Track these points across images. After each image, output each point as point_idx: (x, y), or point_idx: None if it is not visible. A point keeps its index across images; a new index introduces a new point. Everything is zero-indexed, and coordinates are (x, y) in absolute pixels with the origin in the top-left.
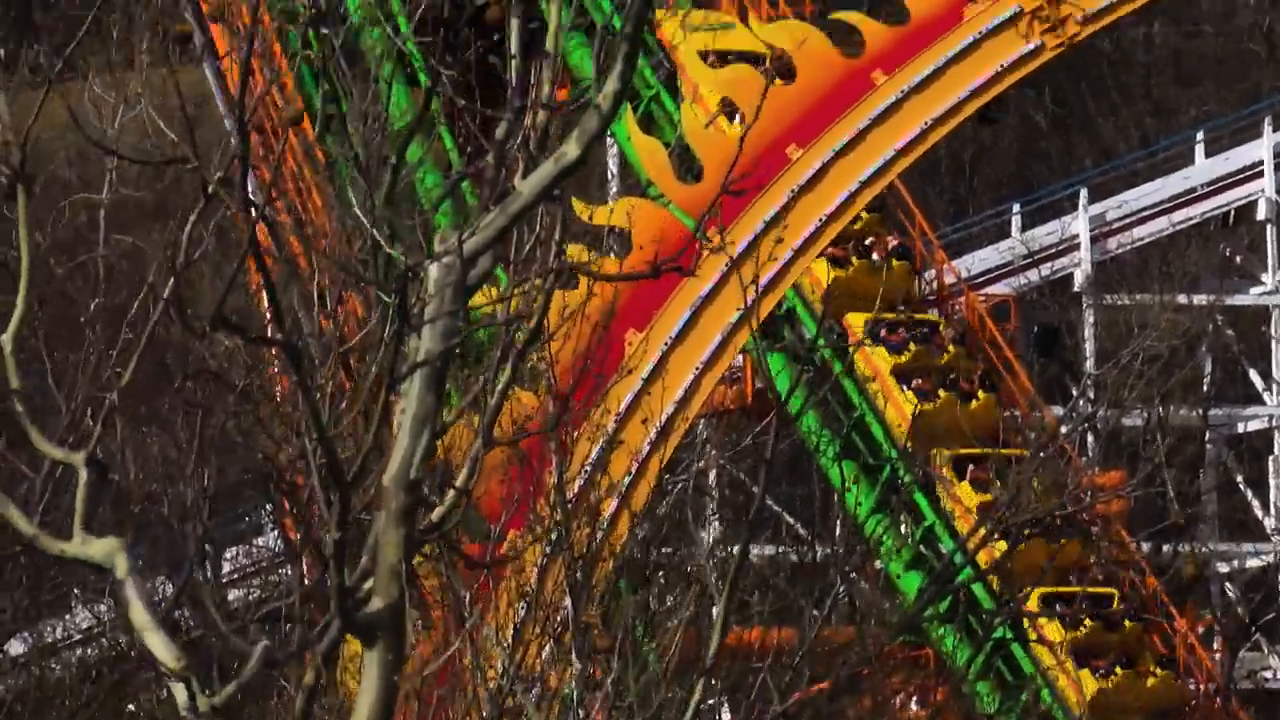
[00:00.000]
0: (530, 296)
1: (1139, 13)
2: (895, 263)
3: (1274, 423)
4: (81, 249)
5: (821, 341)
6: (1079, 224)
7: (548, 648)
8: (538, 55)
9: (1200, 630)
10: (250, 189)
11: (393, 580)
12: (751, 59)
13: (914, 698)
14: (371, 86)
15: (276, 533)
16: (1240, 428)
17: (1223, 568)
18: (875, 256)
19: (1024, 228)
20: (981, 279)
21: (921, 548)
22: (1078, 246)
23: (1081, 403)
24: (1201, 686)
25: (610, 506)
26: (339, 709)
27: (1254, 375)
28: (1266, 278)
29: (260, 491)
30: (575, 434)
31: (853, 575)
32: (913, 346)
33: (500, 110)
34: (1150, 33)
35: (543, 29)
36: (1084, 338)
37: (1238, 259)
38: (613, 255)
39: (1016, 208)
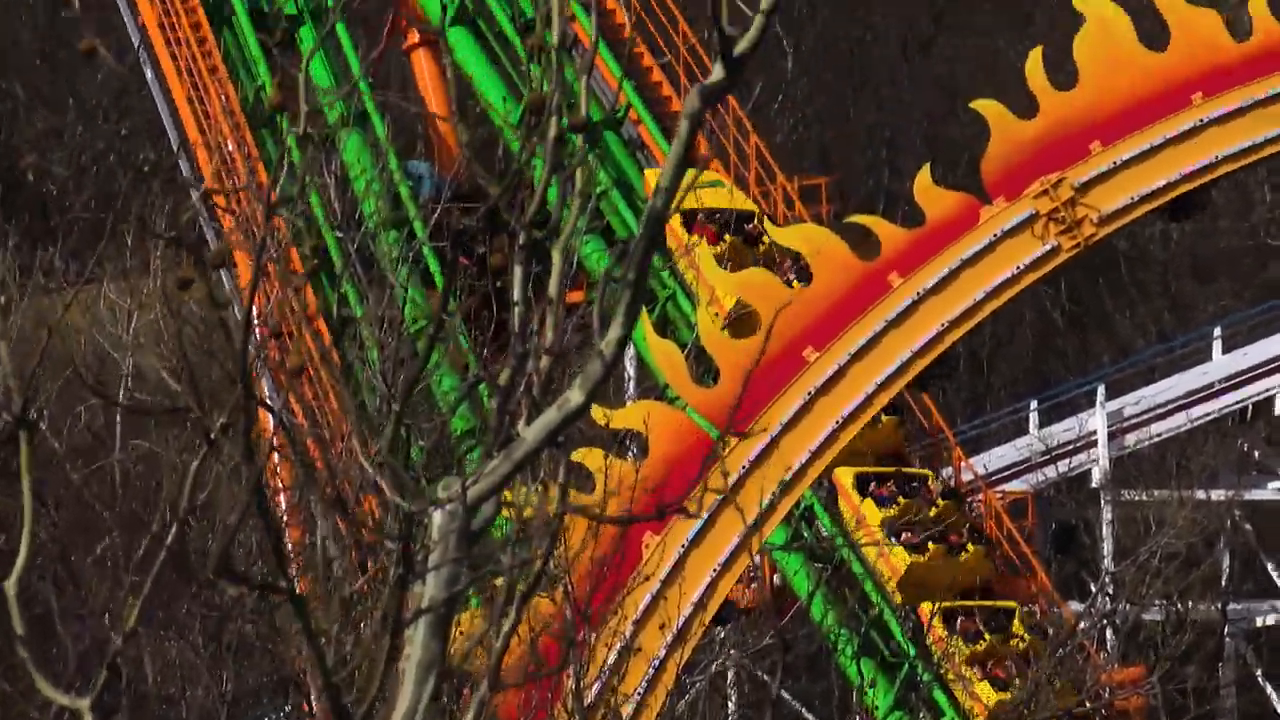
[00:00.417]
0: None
1: (1155, 210)
2: (884, 418)
3: None
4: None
5: (840, 541)
6: (1096, 420)
7: None
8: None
9: None
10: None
11: None
12: (740, 218)
13: None
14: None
15: None
16: (1259, 622)
17: None
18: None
19: (1041, 424)
20: (999, 476)
21: None
22: (1095, 443)
23: (1100, 599)
24: None
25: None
26: None
27: (1272, 570)
28: None
29: (279, 696)
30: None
31: None
32: (901, 500)
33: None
34: (1167, 229)
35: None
36: (1102, 535)
37: (1256, 454)
38: (631, 459)
39: (1034, 404)
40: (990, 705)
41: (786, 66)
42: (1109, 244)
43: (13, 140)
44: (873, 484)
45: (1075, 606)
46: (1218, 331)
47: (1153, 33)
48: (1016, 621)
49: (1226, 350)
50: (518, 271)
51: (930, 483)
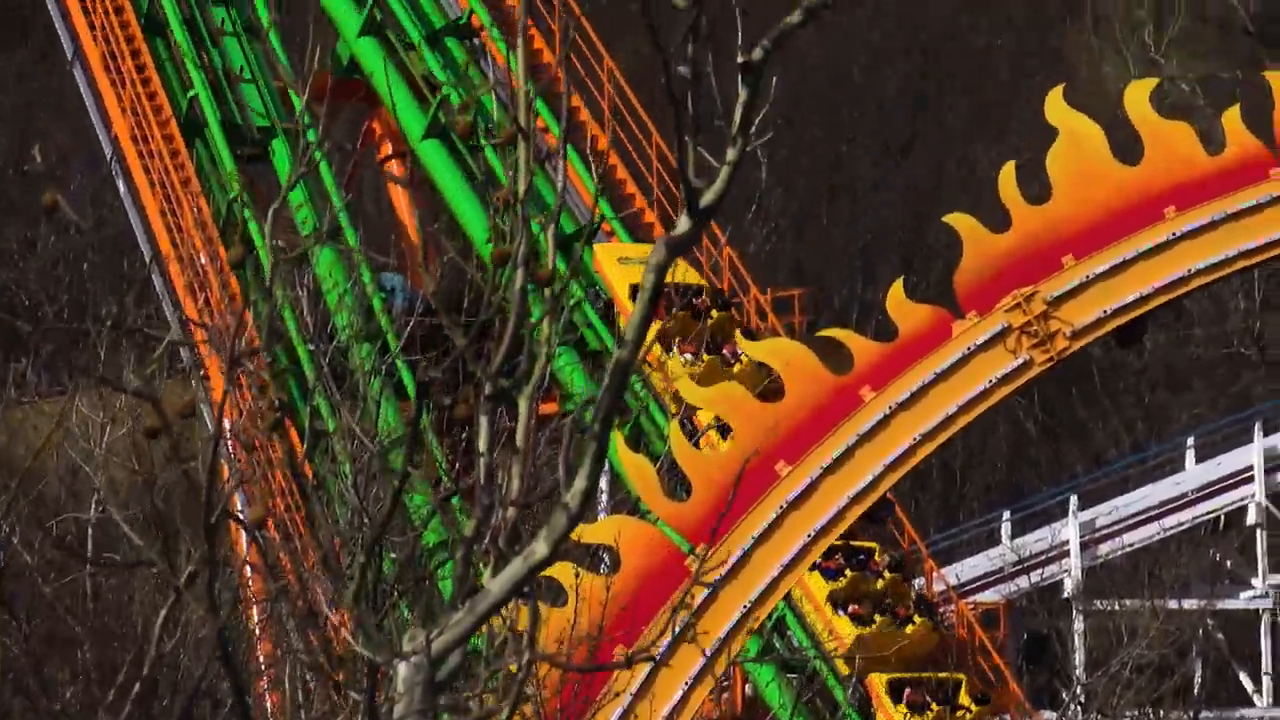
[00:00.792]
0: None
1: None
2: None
3: None
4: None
5: (813, 652)
6: (1069, 531)
7: None
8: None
9: None
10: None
11: None
12: (690, 292)
13: None
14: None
15: None
16: None
17: None
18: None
19: (1014, 535)
20: (972, 586)
21: None
22: (1068, 553)
23: (1072, 709)
24: None
25: None
26: None
27: (1244, 678)
28: (1256, 581)
29: None
30: None
31: None
32: (848, 573)
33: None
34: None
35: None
36: (1074, 644)
37: (1228, 563)
38: (603, 573)
39: (1007, 514)
40: None
41: (760, 176)
42: (1083, 353)
43: None
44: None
45: (1048, 716)
46: (1191, 441)
47: (1126, 146)
48: (964, 693)
49: (1199, 460)
50: (484, 422)
51: (877, 555)
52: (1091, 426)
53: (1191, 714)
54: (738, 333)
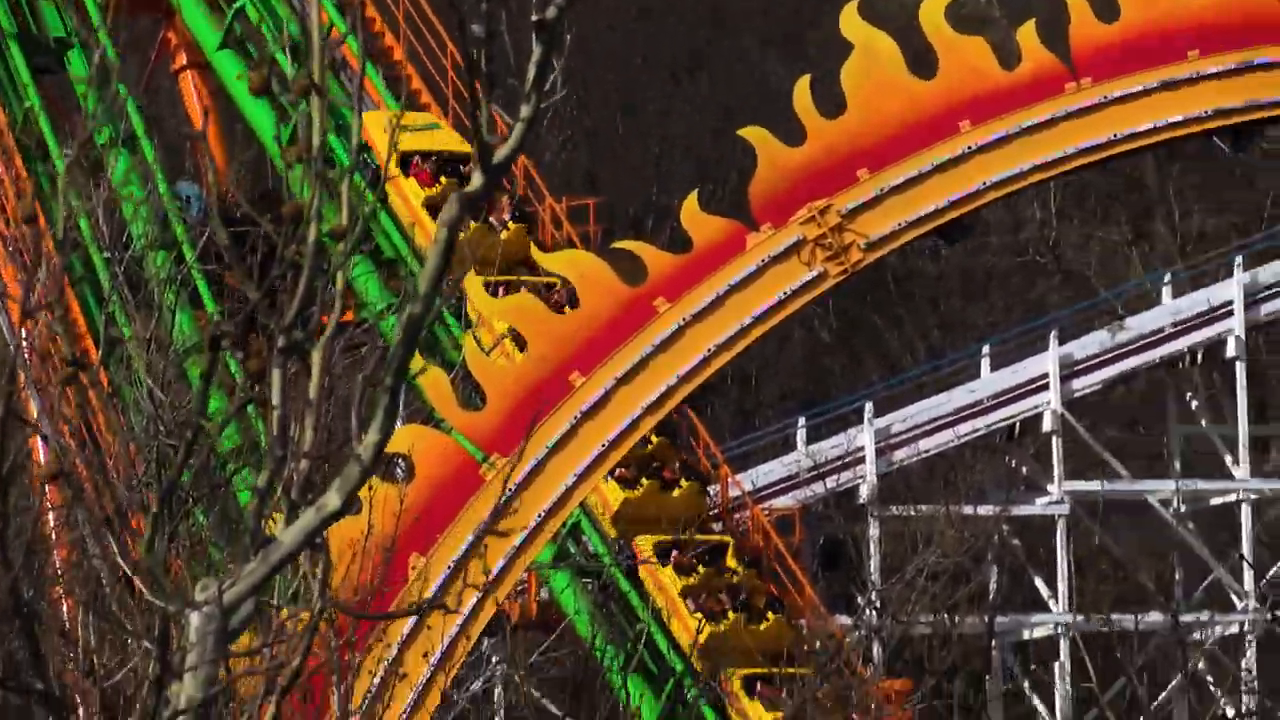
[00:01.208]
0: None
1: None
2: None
3: (1059, 630)
4: None
5: (608, 559)
6: (865, 437)
7: None
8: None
9: None
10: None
11: None
12: (457, 159)
13: None
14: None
15: None
16: (1026, 635)
17: None
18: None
19: (810, 441)
20: (767, 492)
21: None
22: (863, 459)
23: (867, 614)
24: None
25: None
26: None
27: (1040, 583)
28: (1052, 488)
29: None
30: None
31: None
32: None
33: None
34: (937, 245)
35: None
36: (869, 551)
37: (1024, 470)
38: (399, 482)
39: (802, 421)
40: None
41: (555, 84)
42: (878, 260)
43: None
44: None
45: (843, 621)
46: (986, 349)
47: (922, 59)
48: (730, 556)
49: (995, 368)
50: (276, 375)
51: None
52: (887, 334)
53: (986, 619)
54: (532, 245)
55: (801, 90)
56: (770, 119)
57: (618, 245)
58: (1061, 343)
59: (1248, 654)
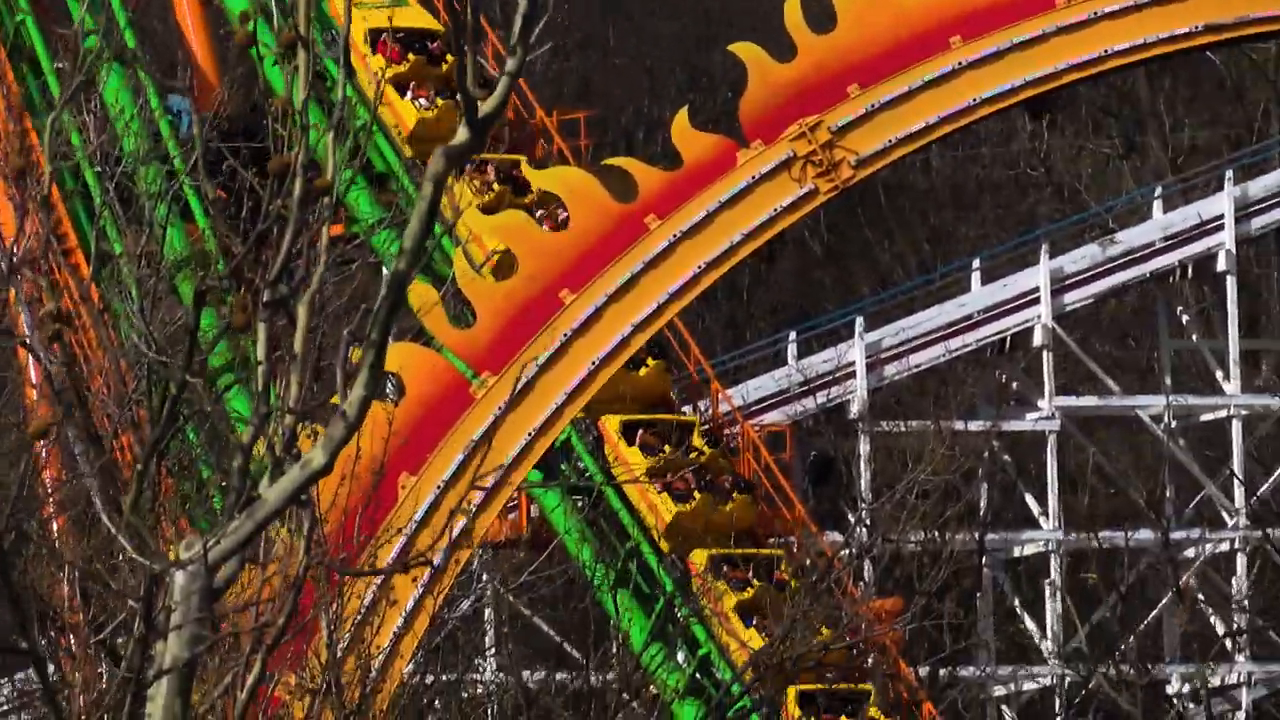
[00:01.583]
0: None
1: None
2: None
3: (1049, 547)
4: None
5: (600, 478)
6: (855, 352)
7: None
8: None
9: None
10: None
11: None
12: (425, 36)
13: None
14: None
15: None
16: (1016, 552)
17: (999, 691)
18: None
19: (800, 355)
20: (757, 407)
21: (698, 675)
22: (854, 374)
23: (857, 531)
24: None
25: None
26: None
27: (1030, 500)
28: (1043, 403)
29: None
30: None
31: (631, 703)
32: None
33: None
34: (927, 158)
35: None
36: (859, 467)
37: (1014, 385)
38: (389, 400)
39: (793, 335)
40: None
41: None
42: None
43: None
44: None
45: (834, 538)
46: (976, 263)
47: None
48: (696, 435)
49: (985, 282)
50: (261, 330)
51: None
52: (877, 247)
53: (977, 536)
54: (523, 161)
55: (792, 6)
56: (760, 25)
57: (609, 162)
58: (1052, 257)
59: (1238, 571)
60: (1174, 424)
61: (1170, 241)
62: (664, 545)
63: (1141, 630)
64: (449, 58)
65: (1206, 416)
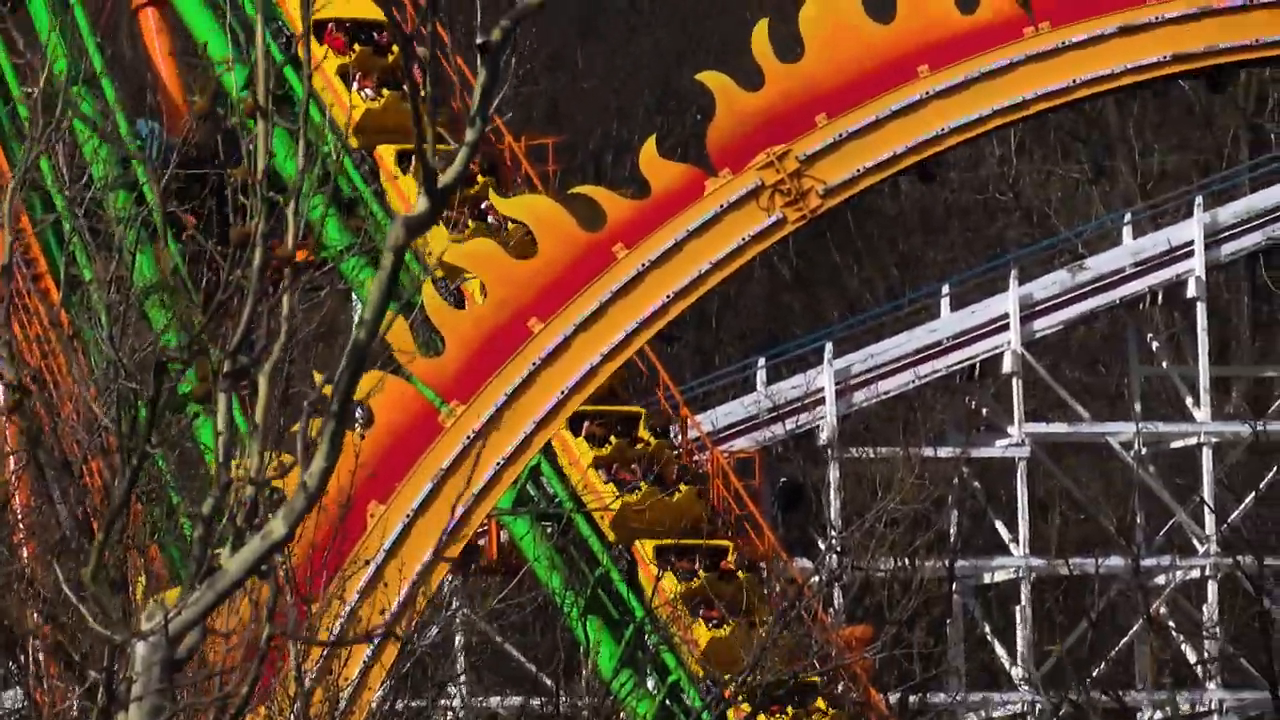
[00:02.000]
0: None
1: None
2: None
3: (1020, 574)
4: None
5: (569, 505)
6: (824, 378)
7: None
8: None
9: None
10: None
11: None
12: (371, 27)
13: None
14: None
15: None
16: (987, 579)
17: (971, 718)
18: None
19: (769, 381)
20: (727, 433)
21: (667, 702)
22: (823, 400)
23: (827, 558)
24: None
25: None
26: None
27: (1000, 526)
28: (1013, 430)
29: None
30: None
31: None
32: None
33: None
34: (896, 182)
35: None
36: (829, 493)
37: (984, 411)
38: (357, 429)
39: (762, 361)
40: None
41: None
42: None
43: None
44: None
45: (804, 564)
46: (946, 289)
47: (879, 6)
48: (642, 427)
49: (955, 308)
50: (222, 401)
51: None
52: (846, 272)
53: (947, 563)
54: (491, 190)
55: (760, 35)
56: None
57: (576, 191)
58: (1022, 282)
59: (1209, 598)
60: (1144, 451)
61: (1140, 267)
62: (611, 536)
63: (1112, 657)
64: (394, 49)
65: (1177, 443)
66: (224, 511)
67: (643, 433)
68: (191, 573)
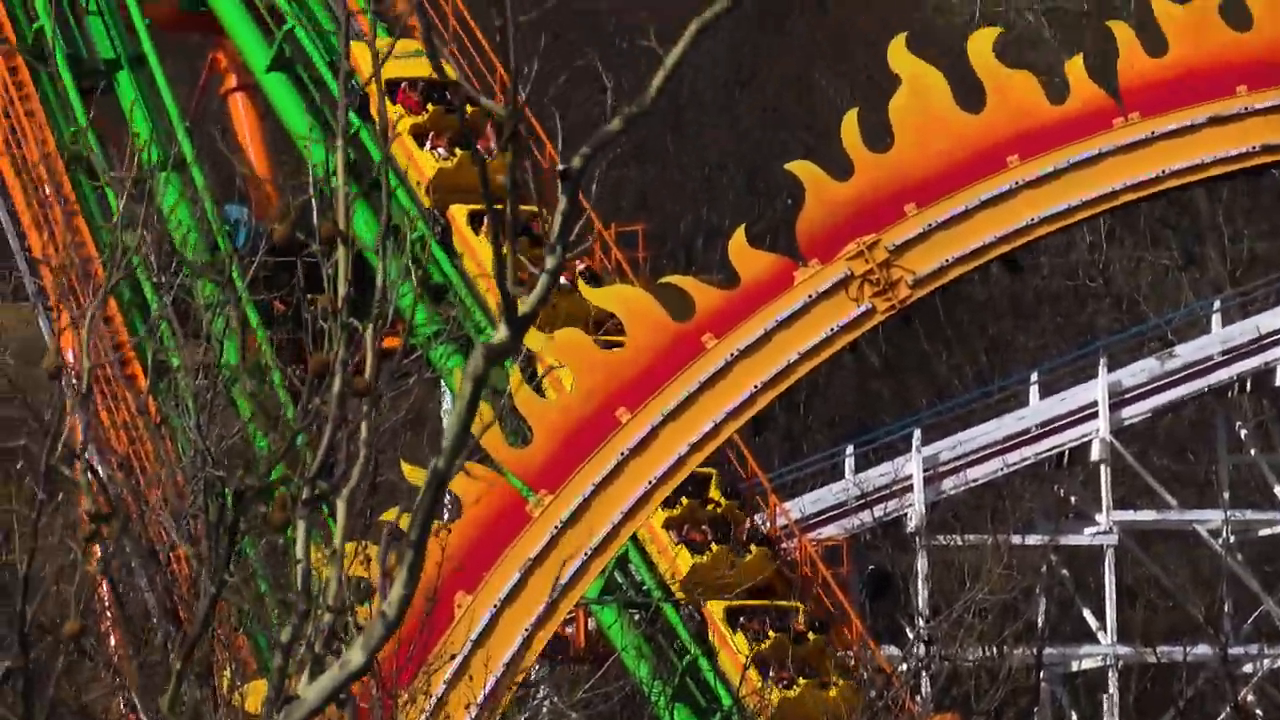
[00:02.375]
0: None
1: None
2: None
3: (1108, 661)
4: None
5: (657, 593)
6: (913, 465)
7: None
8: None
9: None
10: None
11: None
12: (443, 86)
13: None
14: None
15: None
16: (1075, 666)
17: None
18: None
19: (858, 469)
20: (814, 520)
21: None
22: (911, 488)
23: (915, 647)
24: None
25: None
26: None
27: (1088, 614)
28: (1101, 517)
29: None
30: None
31: None
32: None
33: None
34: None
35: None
36: (917, 581)
37: (1072, 499)
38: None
39: (850, 448)
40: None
41: (605, 102)
42: None
43: None
44: None
45: (891, 652)
46: (1035, 376)
47: (969, 94)
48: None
49: (1044, 395)
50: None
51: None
52: (935, 359)
53: (1035, 651)
54: (580, 279)
55: (849, 124)
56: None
57: (666, 280)
58: (1111, 369)
59: None
60: (1232, 538)
61: (1229, 355)
62: (680, 596)
63: None
64: (468, 108)
65: (1265, 531)
66: (302, 639)
67: (714, 493)
68: (269, 700)
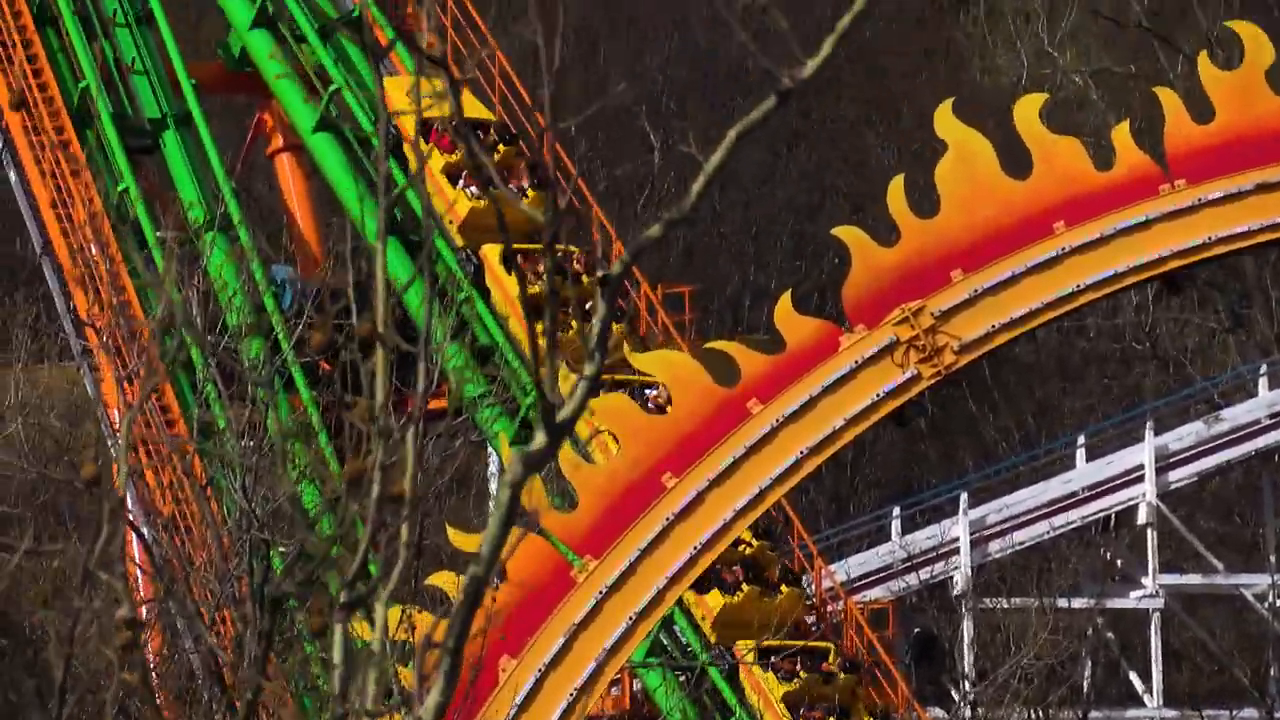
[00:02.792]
0: None
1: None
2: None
3: None
4: None
5: (703, 656)
6: (959, 528)
7: None
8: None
9: None
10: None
11: None
12: (477, 125)
13: None
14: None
15: None
16: None
17: None
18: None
19: (904, 531)
20: (860, 583)
21: None
22: (958, 551)
23: (962, 710)
24: None
25: None
26: None
27: (1134, 677)
28: (1147, 581)
29: None
30: None
31: None
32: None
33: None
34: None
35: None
36: (962, 644)
37: (1118, 562)
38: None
39: (897, 511)
40: None
41: (654, 162)
42: None
43: None
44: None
45: (937, 715)
46: (1081, 439)
47: (1016, 159)
48: (832, 660)
49: (1090, 459)
50: (338, 632)
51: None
52: (982, 422)
53: (1081, 714)
54: (625, 344)
55: (895, 190)
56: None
57: (711, 345)
58: (1157, 433)
59: None
60: (1279, 603)
61: (1276, 419)
62: (712, 637)
63: None
64: (501, 147)
65: None
66: None
67: (744, 533)
68: None
